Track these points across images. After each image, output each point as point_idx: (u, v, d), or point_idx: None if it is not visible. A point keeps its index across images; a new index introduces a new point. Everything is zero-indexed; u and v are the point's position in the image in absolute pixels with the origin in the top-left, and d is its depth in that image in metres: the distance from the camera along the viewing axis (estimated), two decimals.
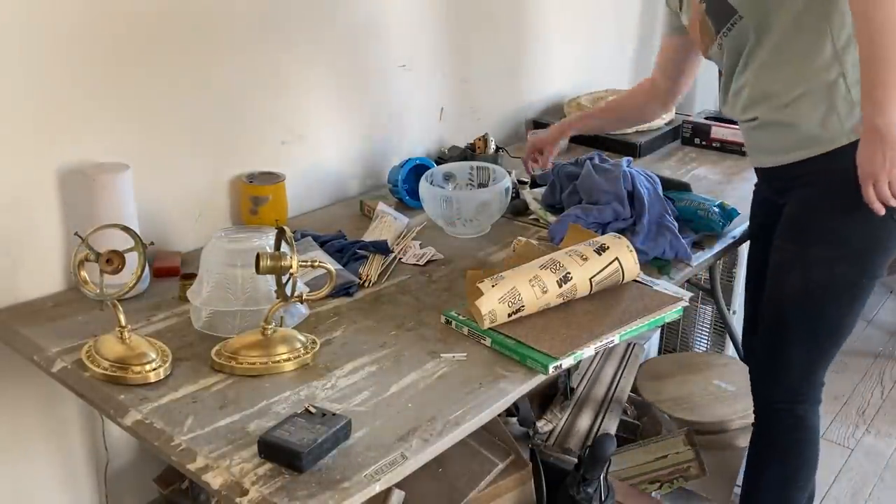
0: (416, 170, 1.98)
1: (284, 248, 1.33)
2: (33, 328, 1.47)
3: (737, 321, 2.60)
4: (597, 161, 1.88)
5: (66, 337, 1.44)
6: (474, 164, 1.96)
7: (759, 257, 1.83)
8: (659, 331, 2.74)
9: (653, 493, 2.08)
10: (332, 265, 1.46)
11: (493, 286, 1.42)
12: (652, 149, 2.42)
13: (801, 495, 1.82)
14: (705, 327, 2.79)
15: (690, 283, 2.58)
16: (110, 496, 1.80)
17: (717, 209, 1.82)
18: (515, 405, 2.03)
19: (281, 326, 1.40)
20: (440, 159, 2.14)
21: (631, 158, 1.95)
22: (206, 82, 1.76)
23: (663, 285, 1.56)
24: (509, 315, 1.42)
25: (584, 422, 2.14)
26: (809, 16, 1.56)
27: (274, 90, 1.90)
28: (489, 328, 1.41)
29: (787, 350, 1.72)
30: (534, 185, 2.09)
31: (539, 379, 1.34)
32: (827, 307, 1.66)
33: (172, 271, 1.66)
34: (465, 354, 1.39)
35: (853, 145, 1.51)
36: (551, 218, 1.88)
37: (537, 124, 2.58)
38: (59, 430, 1.72)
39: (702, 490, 2.15)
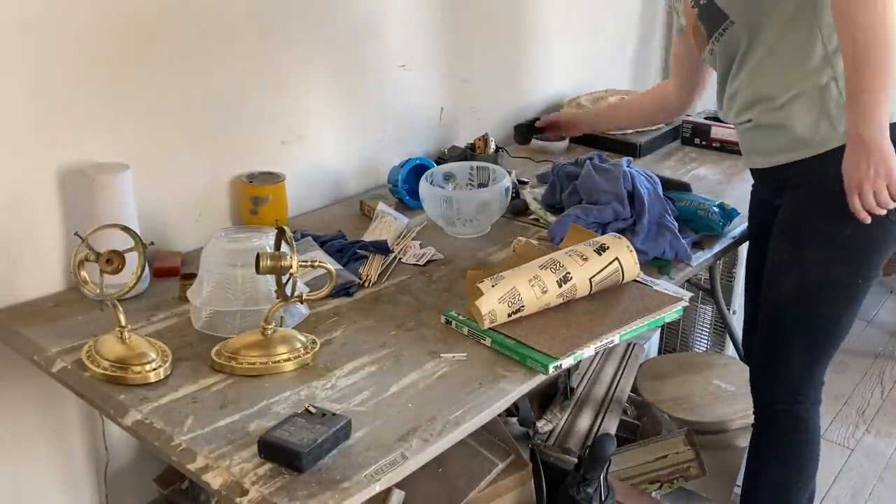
0: (416, 170, 1.98)
1: (284, 248, 1.33)
2: (33, 328, 1.47)
3: (737, 321, 2.60)
4: (597, 161, 1.88)
5: (66, 337, 1.44)
6: (474, 164, 1.96)
7: (758, 258, 1.83)
8: (659, 331, 2.74)
9: (653, 493, 2.09)
10: (332, 265, 1.46)
11: (493, 286, 1.42)
12: (652, 149, 2.42)
13: (801, 495, 1.82)
14: (705, 327, 2.79)
15: (690, 283, 2.58)
16: (110, 496, 1.80)
17: (717, 209, 1.82)
18: (515, 405, 2.03)
19: (281, 326, 1.40)
20: (440, 159, 2.14)
21: (631, 158, 1.95)
22: (206, 82, 1.76)
23: (663, 285, 1.56)
24: (509, 315, 1.42)
25: (584, 422, 2.14)
26: (800, 19, 1.56)
27: (274, 90, 1.90)
28: (489, 328, 1.41)
29: (786, 351, 1.72)
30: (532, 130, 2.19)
31: (539, 379, 1.34)
32: (823, 307, 1.66)
33: (172, 271, 1.66)
34: (465, 354, 1.39)
35: (844, 148, 1.52)
36: (551, 218, 1.88)
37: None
38: (59, 430, 1.72)
39: (702, 490, 2.15)
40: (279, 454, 1.12)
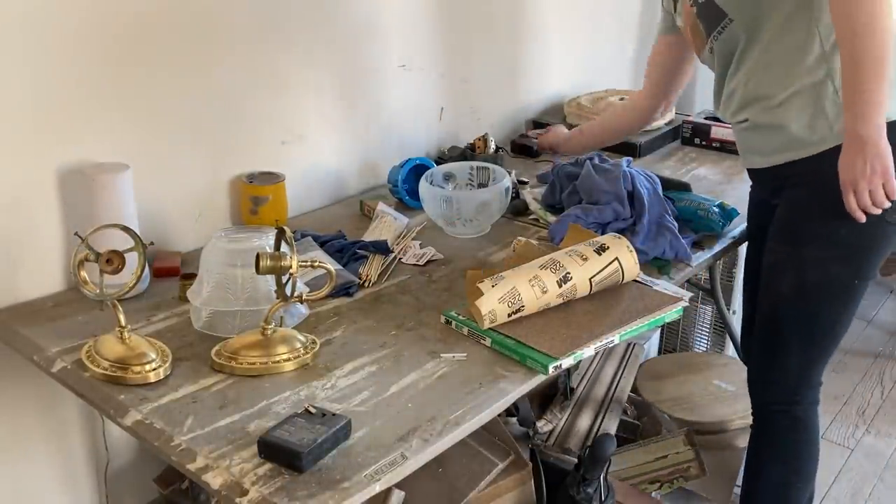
0: (416, 170, 1.98)
1: (284, 248, 1.33)
2: (33, 328, 1.47)
3: (737, 321, 2.60)
4: (597, 161, 1.88)
5: (66, 337, 1.44)
6: (474, 164, 1.96)
7: (757, 258, 1.83)
8: (659, 331, 2.74)
9: (653, 493, 2.08)
10: (332, 265, 1.46)
11: (493, 286, 1.42)
12: (652, 149, 2.42)
13: (801, 495, 1.82)
14: (705, 327, 2.78)
15: (690, 283, 2.58)
16: (110, 496, 1.80)
17: (716, 209, 1.82)
18: (515, 405, 2.03)
19: (281, 326, 1.40)
20: (440, 159, 2.14)
21: (631, 158, 1.95)
22: (206, 82, 1.76)
23: (663, 285, 1.56)
24: (509, 315, 1.42)
25: (584, 422, 2.14)
26: (798, 18, 1.56)
27: (274, 90, 1.90)
28: (489, 328, 1.41)
29: (783, 352, 1.72)
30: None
31: (539, 379, 1.34)
32: (821, 308, 1.66)
33: (172, 271, 1.66)
34: (465, 354, 1.39)
35: (840, 149, 1.52)
36: (551, 218, 1.88)
37: (537, 124, 2.59)
38: (59, 430, 1.72)
39: (702, 490, 2.15)
40: (279, 454, 1.12)
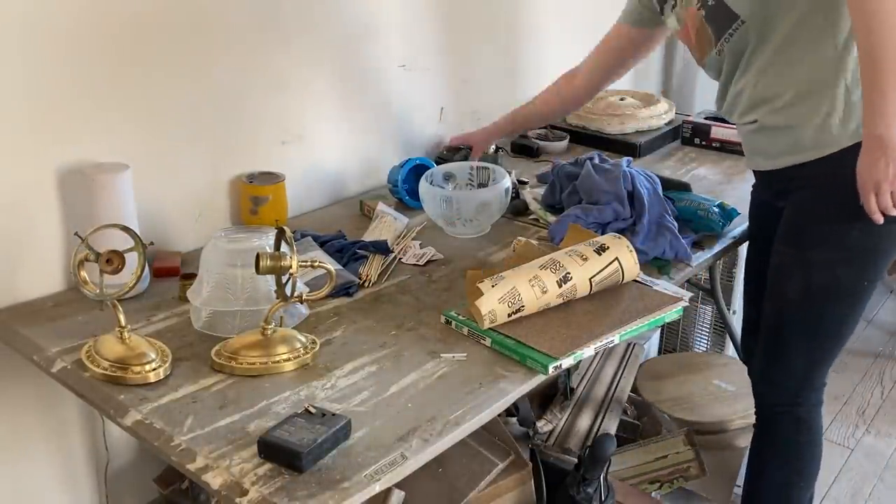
0: (416, 170, 1.98)
1: (284, 248, 1.33)
2: (33, 328, 1.47)
3: (737, 321, 2.59)
4: (597, 161, 1.88)
5: (66, 337, 1.44)
6: (474, 164, 1.97)
7: (758, 259, 1.83)
8: (659, 331, 2.74)
9: (653, 493, 2.08)
10: (332, 265, 1.46)
11: (493, 286, 1.42)
12: (652, 149, 2.42)
13: (803, 496, 1.82)
14: (705, 327, 2.78)
15: (690, 283, 2.58)
16: (110, 496, 1.80)
17: (716, 209, 1.82)
18: (515, 405, 2.03)
19: (281, 326, 1.40)
20: (440, 159, 2.14)
21: (631, 158, 1.95)
22: (206, 82, 1.76)
23: (663, 285, 1.56)
24: (509, 315, 1.42)
25: (584, 422, 2.14)
26: (812, 18, 1.55)
27: (274, 90, 1.89)
28: (489, 328, 1.41)
29: (788, 353, 1.72)
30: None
31: (539, 379, 1.34)
32: (827, 310, 1.66)
33: (172, 271, 1.66)
34: (465, 354, 1.39)
35: (851, 149, 1.51)
36: (551, 218, 1.88)
37: None
38: (59, 430, 1.72)
39: (702, 490, 2.15)
40: (279, 454, 1.12)
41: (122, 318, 1.33)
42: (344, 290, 1.58)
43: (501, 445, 1.82)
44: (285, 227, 1.33)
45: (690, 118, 2.54)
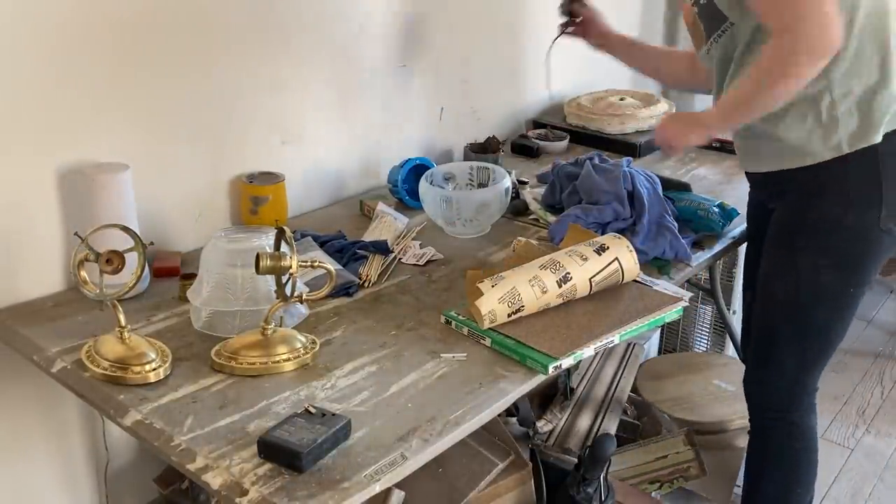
0: (416, 170, 1.98)
1: (284, 248, 1.33)
2: (33, 328, 1.47)
3: (737, 321, 2.60)
4: (597, 161, 1.88)
5: (66, 337, 1.44)
6: (474, 164, 1.97)
7: (757, 259, 1.83)
8: (659, 331, 2.74)
9: (653, 493, 2.08)
10: (331, 265, 1.46)
11: (492, 286, 1.42)
12: (652, 149, 2.42)
13: (802, 500, 1.82)
14: (705, 327, 2.79)
15: (690, 283, 2.58)
16: (110, 496, 1.80)
17: (716, 209, 1.82)
18: (515, 405, 2.03)
19: (281, 326, 1.40)
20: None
21: (631, 158, 1.95)
22: (206, 82, 1.76)
23: (663, 285, 1.56)
24: (509, 315, 1.42)
25: (584, 422, 2.14)
26: None
27: (274, 90, 1.89)
28: (489, 328, 1.41)
29: (778, 358, 1.72)
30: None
31: (539, 379, 1.34)
32: (815, 315, 1.66)
33: (172, 271, 1.66)
34: (465, 354, 1.39)
35: (836, 161, 1.52)
36: (551, 218, 1.88)
37: (537, 124, 2.59)
38: (59, 430, 1.72)
39: (702, 490, 2.15)
40: (279, 454, 1.12)
41: (122, 318, 1.33)
42: (344, 290, 1.58)
43: (501, 445, 1.82)
44: (285, 227, 1.33)
45: None
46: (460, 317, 1.46)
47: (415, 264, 1.71)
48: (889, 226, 1.56)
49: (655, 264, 1.69)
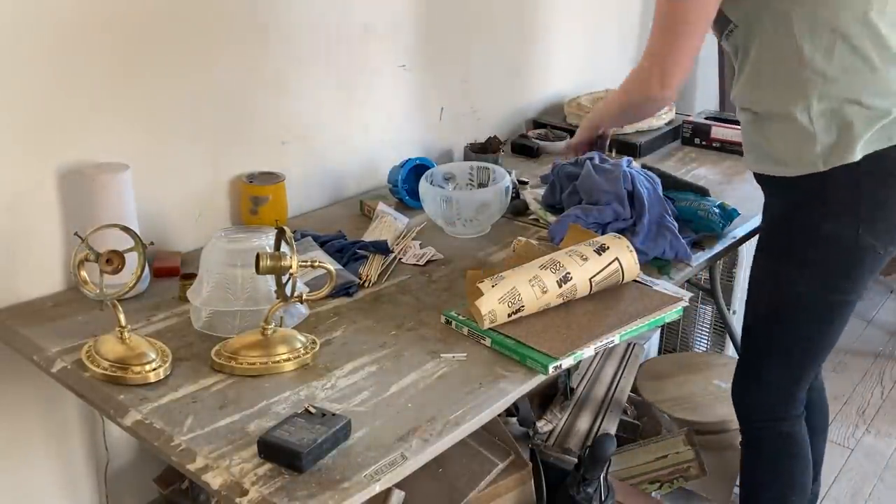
0: (416, 170, 1.98)
1: (284, 248, 1.33)
2: (33, 328, 1.47)
3: (737, 321, 2.60)
4: (597, 161, 1.88)
5: (66, 337, 1.44)
6: (474, 164, 1.97)
7: None
8: (659, 331, 2.74)
9: (653, 493, 2.09)
10: (332, 265, 1.46)
11: (493, 286, 1.42)
12: (652, 149, 2.42)
13: (800, 500, 1.82)
14: (705, 327, 2.79)
15: (690, 283, 2.58)
16: (110, 496, 1.80)
17: (717, 209, 1.82)
18: (515, 405, 2.03)
19: (281, 326, 1.40)
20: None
21: (631, 158, 1.95)
22: (206, 82, 1.76)
23: (663, 285, 1.56)
24: (509, 315, 1.42)
25: (584, 422, 2.14)
26: (782, 35, 1.52)
27: (274, 90, 1.89)
28: (489, 328, 1.41)
29: (763, 369, 1.73)
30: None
31: (539, 379, 1.34)
32: (796, 326, 1.66)
33: (172, 271, 1.66)
34: (465, 354, 1.39)
35: (815, 176, 1.51)
36: (551, 218, 1.88)
37: (537, 124, 2.59)
38: (58, 430, 1.72)
39: (702, 490, 2.15)
40: (279, 454, 1.12)
41: (122, 318, 1.33)
42: (344, 290, 1.58)
43: (501, 445, 1.82)
44: (285, 227, 1.33)
45: (691, 118, 2.54)
46: (460, 317, 1.46)
47: (415, 264, 1.71)
48: (868, 241, 1.54)
49: (655, 264, 1.69)
